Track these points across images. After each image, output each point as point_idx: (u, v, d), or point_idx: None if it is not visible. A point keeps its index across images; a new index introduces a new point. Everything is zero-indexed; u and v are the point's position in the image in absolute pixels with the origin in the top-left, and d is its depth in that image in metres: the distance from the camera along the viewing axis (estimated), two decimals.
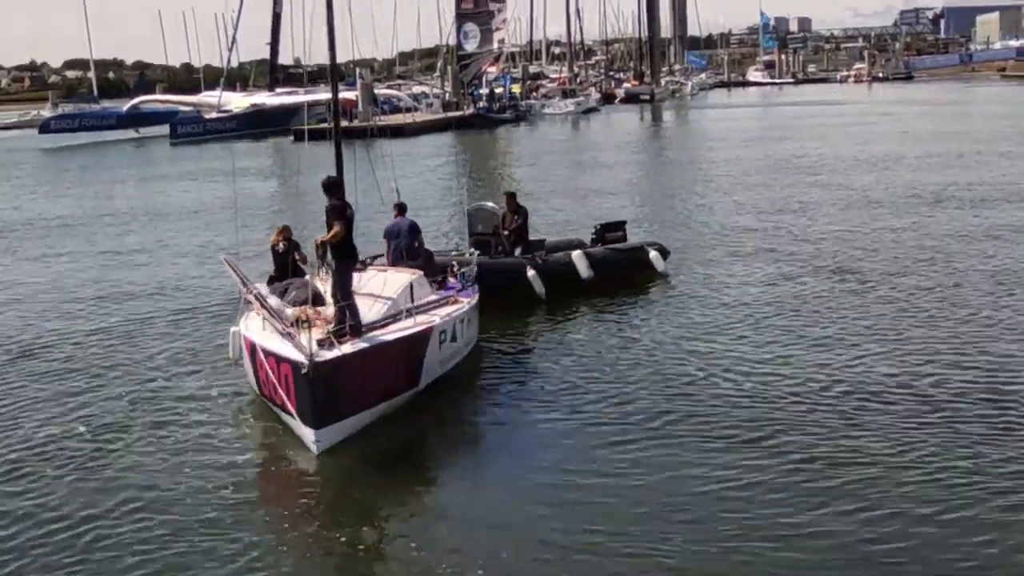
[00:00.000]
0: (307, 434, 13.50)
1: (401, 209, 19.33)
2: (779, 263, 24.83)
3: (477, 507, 12.21)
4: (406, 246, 18.70)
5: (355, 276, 16.02)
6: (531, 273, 21.61)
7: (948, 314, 19.53)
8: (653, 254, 23.86)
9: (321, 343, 13.74)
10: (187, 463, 13.54)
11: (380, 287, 16.49)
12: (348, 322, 14.50)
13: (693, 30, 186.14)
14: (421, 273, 17.54)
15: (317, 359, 13.24)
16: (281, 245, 17.78)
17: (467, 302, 17.35)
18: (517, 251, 22.34)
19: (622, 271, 23.26)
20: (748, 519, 11.36)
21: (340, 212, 14.89)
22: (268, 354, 14.17)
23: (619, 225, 24.85)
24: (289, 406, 13.73)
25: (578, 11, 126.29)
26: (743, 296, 21.80)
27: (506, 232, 22.37)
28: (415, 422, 14.89)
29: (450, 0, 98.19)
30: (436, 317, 15.90)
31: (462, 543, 11.21)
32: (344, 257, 14.98)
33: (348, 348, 14.06)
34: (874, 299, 21.06)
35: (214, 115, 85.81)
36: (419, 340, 15.19)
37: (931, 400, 14.81)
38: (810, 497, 11.82)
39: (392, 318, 15.49)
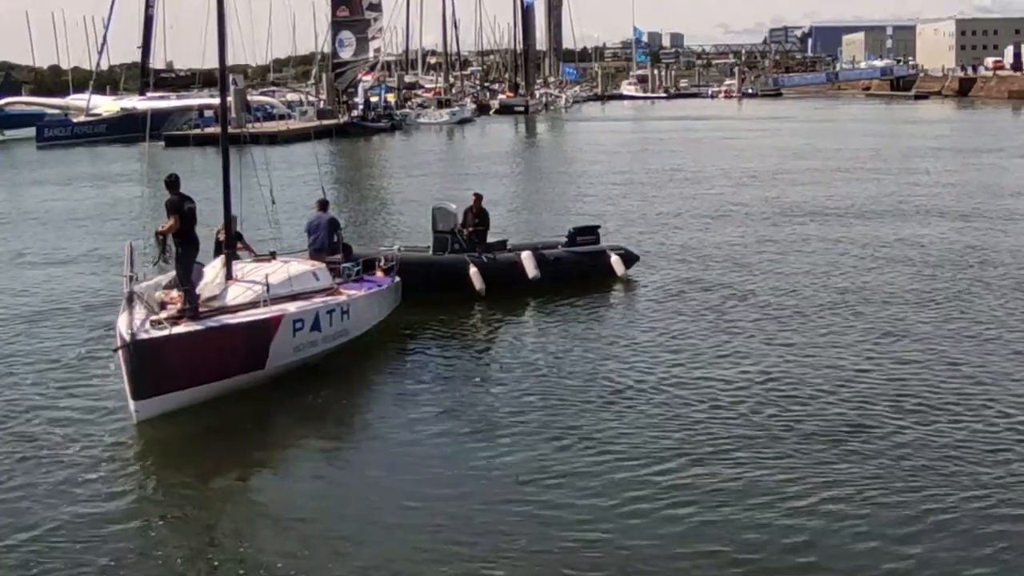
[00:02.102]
0: (130, 404, 14.77)
1: (322, 205, 20.84)
2: (718, 278, 24.63)
3: (277, 496, 12.77)
4: (325, 240, 20.06)
5: (254, 265, 18.19)
6: (472, 271, 22.42)
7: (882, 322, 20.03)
8: (614, 258, 24.22)
9: (155, 324, 15.30)
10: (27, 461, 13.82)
11: (261, 276, 17.39)
12: (186, 306, 16.10)
13: (568, 43, 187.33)
14: (322, 266, 18.79)
15: (138, 338, 14.68)
16: (221, 235, 18.66)
17: (348, 295, 18.21)
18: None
19: (579, 274, 23.68)
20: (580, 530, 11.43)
21: (177, 206, 16.31)
22: (118, 334, 15.46)
23: (592, 229, 25.37)
24: (124, 379, 15.03)
25: (454, 22, 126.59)
26: (689, 307, 21.80)
27: (469, 230, 23.33)
28: (261, 405, 15.77)
29: (325, 7, 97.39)
30: (292, 306, 16.90)
31: (251, 534, 11.73)
32: (185, 246, 16.39)
33: (180, 329, 15.49)
34: (776, 312, 21.42)
35: (83, 118, 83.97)
36: (264, 326, 16.28)
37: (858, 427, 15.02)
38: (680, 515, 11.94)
39: (252, 304, 16.70)
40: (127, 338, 14.70)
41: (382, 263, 20.57)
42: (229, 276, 17.66)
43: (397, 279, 20.43)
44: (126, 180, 52.33)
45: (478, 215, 23.79)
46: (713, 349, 18.56)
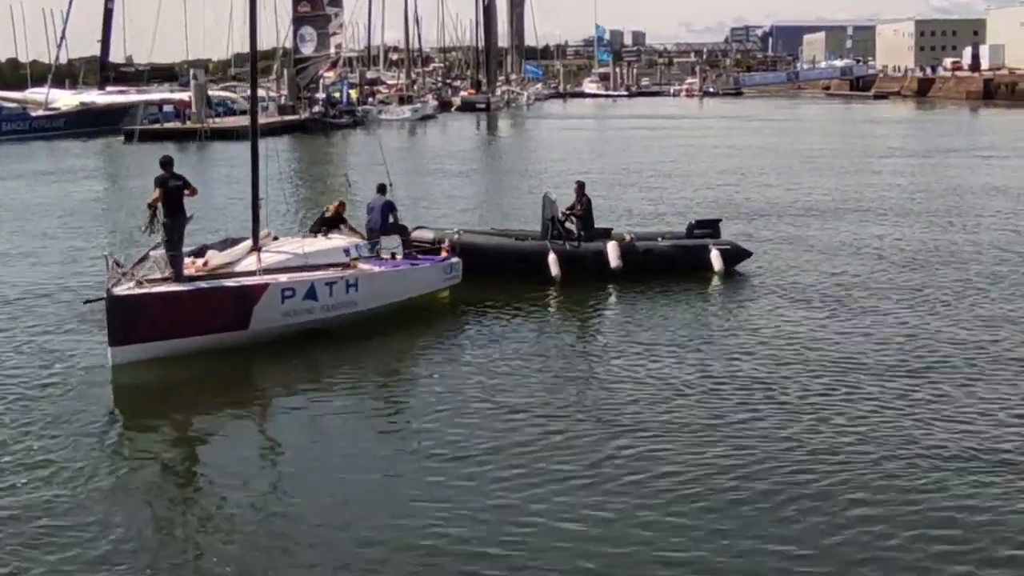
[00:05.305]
0: (108, 351, 17.03)
1: (380, 189, 22.47)
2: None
3: (222, 460, 13.73)
4: (378, 220, 21.84)
5: (288, 240, 21.09)
6: (551, 257, 23.15)
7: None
8: (714, 253, 23.94)
9: (138, 283, 17.59)
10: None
11: (282, 249, 20.13)
12: (172, 269, 18.21)
13: (530, 40, 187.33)
14: (359, 242, 21.01)
15: (114, 294, 17.10)
16: (330, 212, 22.24)
17: (361, 269, 19.92)
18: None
19: (672, 267, 23.65)
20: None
21: (164, 181, 18.43)
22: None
23: (712, 223, 25.44)
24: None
25: (416, 18, 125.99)
26: (769, 314, 20.91)
27: (571, 216, 24.23)
28: (244, 362, 17.67)
29: (286, 2, 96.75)
30: (284, 276, 18.81)
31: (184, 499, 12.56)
32: (172, 217, 18.29)
33: (158, 289, 17.76)
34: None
35: (41, 113, 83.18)
36: (247, 292, 18.31)
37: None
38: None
39: (250, 272, 18.80)
40: (106, 294, 17.18)
41: (446, 244, 22.16)
42: (256, 247, 19.80)
43: (454, 260, 21.62)
44: (85, 176, 51.93)
45: (580, 201, 24.31)
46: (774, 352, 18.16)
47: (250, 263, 19.20)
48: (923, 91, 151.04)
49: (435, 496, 12.12)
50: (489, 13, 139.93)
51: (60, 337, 19.27)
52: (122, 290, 17.38)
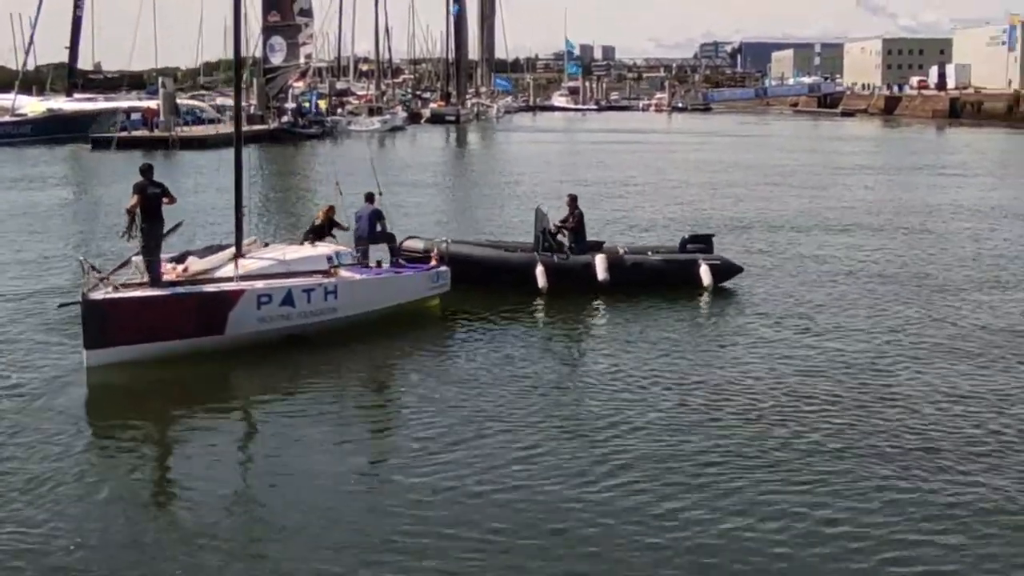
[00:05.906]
0: (83, 353, 17.17)
1: (368, 197, 22.47)
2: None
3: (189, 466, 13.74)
4: (366, 229, 21.93)
5: (271, 248, 21.23)
6: (538, 269, 23.28)
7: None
8: (703, 268, 23.89)
9: (115, 287, 17.76)
10: None
11: (263, 256, 20.18)
12: (149, 274, 18.29)
13: (500, 53, 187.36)
14: (340, 250, 21.00)
15: (89, 298, 17.26)
16: (319, 219, 22.34)
17: (341, 277, 19.90)
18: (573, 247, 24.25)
19: (659, 281, 23.61)
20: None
21: (142, 188, 18.46)
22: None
23: (705, 238, 25.39)
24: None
25: (387, 29, 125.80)
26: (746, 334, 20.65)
27: (563, 229, 24.41)
28: (220, 367, 17.78)
29: (256, 10, 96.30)
30: (260, 283, 18.90)
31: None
32: (149, 224, 18.37)
33: (132, 293, 17.89)
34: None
35: (7, 119, 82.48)
36: (223, 297, 18.48)
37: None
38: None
39: (228, 279, 18.82)
40: (81, 297, 17.36)
41: (434, 253, 22.45)
42: (238, 254, 19.71)
43: (441, 269, 21.91)
44: (55, 183, 51.48)
45: (572, 214, 24.55)
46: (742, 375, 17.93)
47: (229, 269, 19.26)
48: (890, 109, 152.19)
49: (409, 503, 12.16)
50: (460, 25, 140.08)
51: (32, 341, 19.23)
52: (98, 294, 17.56)
